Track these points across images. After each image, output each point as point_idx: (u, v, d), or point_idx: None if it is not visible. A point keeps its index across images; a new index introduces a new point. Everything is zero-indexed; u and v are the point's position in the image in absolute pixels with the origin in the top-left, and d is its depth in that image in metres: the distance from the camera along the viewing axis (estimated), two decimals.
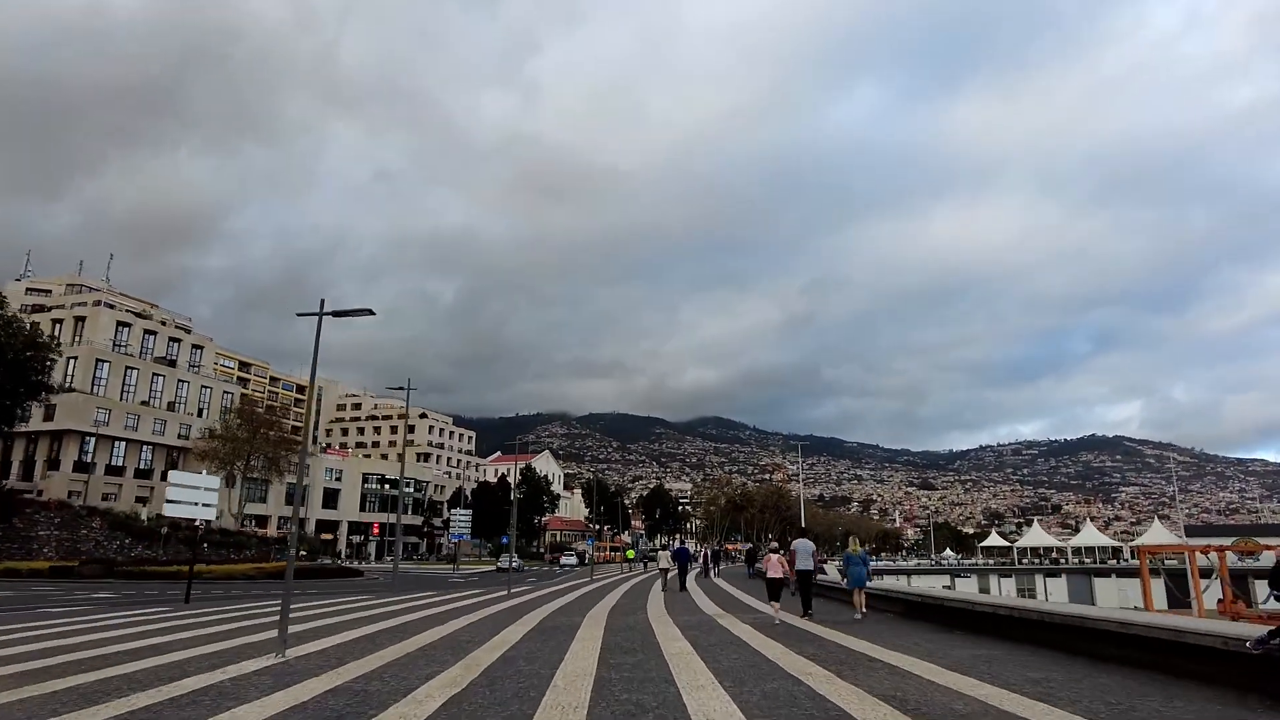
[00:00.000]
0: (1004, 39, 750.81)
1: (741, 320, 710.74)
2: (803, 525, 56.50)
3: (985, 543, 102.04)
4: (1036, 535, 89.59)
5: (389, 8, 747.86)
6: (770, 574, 17.91)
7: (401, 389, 31.20)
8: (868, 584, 18.82)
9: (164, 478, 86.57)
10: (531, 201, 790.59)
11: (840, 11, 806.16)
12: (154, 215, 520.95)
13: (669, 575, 32.65)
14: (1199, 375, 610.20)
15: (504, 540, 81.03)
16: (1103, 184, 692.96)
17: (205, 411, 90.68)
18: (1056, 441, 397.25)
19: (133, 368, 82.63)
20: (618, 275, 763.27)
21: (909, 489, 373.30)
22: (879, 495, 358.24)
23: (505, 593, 26.94)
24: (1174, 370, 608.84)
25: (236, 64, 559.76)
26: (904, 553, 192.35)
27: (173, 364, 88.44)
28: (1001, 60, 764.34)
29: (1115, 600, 79.32)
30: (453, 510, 56.98)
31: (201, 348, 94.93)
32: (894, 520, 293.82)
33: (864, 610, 18.04)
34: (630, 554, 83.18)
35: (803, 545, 19.33)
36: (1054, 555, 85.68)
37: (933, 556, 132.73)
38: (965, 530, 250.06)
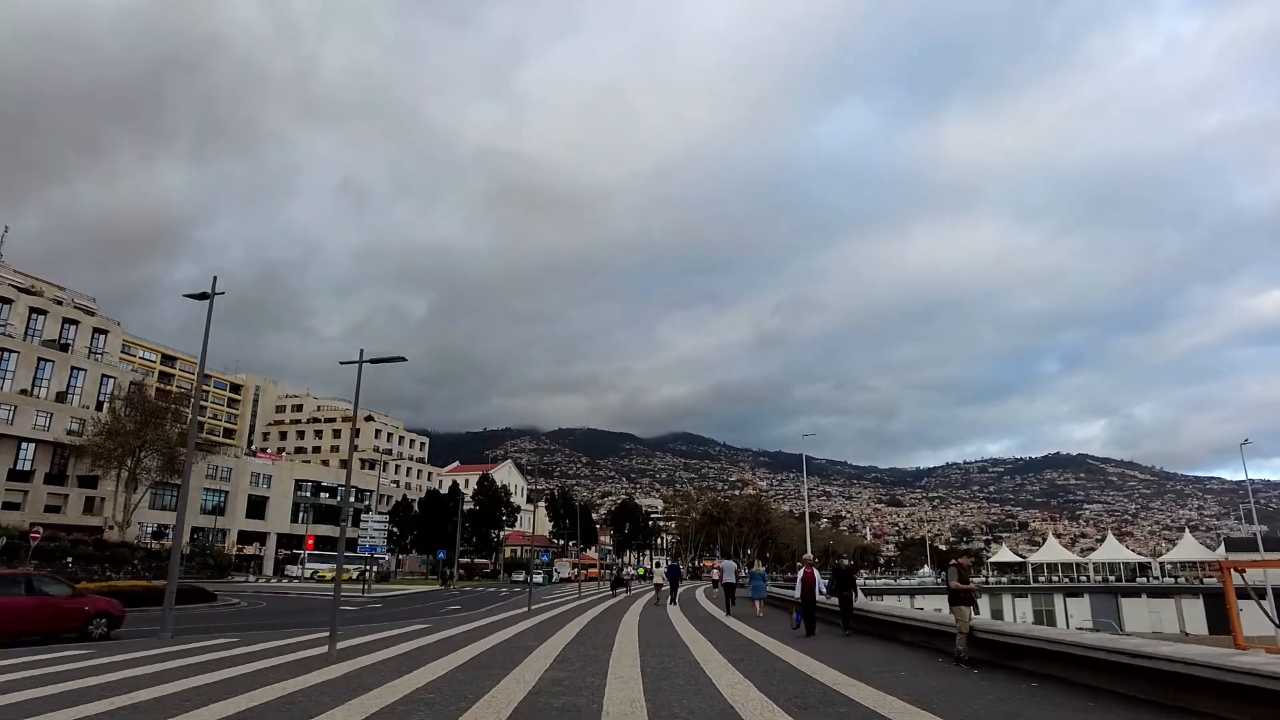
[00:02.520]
0: (988, 61, 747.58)
1: (717, 337, 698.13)
2: (807, 545, 46.89)
3: (995, 558, 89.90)
4: (1052, 550, 77.75)
5: (371, 19, 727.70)
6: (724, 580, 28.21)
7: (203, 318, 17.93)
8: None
9: (46, 479, 72.08)
10: (510, 216, 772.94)
11: (831, 29, 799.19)
12: (124, 224, 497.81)
13: (662, 591, 33.13)
14: (1162, 395, 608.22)
15: (440, 556, 67.69)
16: (1080, 207, 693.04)
17: (106, 404, 75.64)
18: (1021, 459, 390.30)
19: (10, 350, 67.94)
20: (595, 292, 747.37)
21: (877, 505, 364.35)
22: (848, 512, 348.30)
23: (325, 651, 13.67)
24: (1138, 390, 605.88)
25: (214, 74, 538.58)
26: (880, 569, 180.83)
27: (65, 348, 73.72)
28: (985, 83, 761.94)
29: (1147, 624, 67.54)
30: (364, 516, 43.30)
31: (105, 332, 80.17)
32: (864, 536, 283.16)
33: (762, 613, 24.75)
34: (640, 571, 67.94)
35: (728, 564, 30.69)
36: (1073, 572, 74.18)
37: (930, 573, 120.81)
38: (937, 547, 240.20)
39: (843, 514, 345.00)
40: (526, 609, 25.85)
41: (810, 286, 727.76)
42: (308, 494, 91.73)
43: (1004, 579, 76.74)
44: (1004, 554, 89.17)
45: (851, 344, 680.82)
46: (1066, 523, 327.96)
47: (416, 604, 36.25)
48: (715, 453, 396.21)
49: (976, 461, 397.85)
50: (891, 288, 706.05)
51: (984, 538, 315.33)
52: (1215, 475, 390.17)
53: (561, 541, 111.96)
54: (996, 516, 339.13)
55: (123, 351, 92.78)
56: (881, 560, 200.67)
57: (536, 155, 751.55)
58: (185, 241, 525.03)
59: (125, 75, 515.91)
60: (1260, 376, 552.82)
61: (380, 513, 44.35)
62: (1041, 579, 74.38)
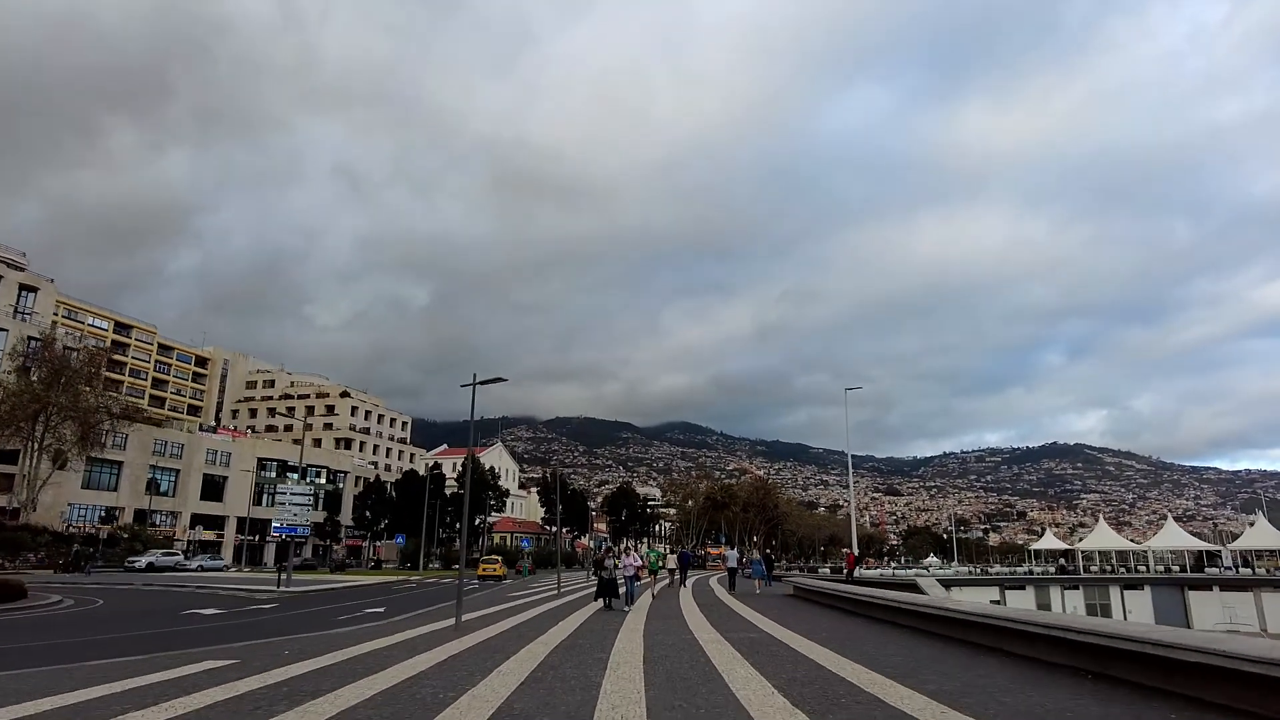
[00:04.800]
0: (1004, 45, 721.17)
1: (718, 327, 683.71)
2: (854, 542, 42.29)
3: (1039, 545, 79.28)
4: (1104, 536, 67.15)
5: (374, 2, 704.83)
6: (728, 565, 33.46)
7: None
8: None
9: None
10: (514, 204, 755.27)
11: (848, 11, 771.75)
12: (125, 213, 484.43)
13: (675, 575, 34.31)
14: (1163, 387, 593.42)
15: (398, 540, 57.49)
16: (1090, 196, 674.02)
17: (34, 371, 64.53)
18: (1019, 449, 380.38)
19: None
20: (597, 281, 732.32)
21: (874, 494, 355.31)
22: (845, 501, 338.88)
23: None
24: (1140, 382, 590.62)
25: (218, 60, 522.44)
26: (886, 558, 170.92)
27: None
28: (999, 69, 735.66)
29: (1220, 620, 57.08)
30: (281, 488, 32.63)
31: (35, 290, 69.23)
32: (865, 525, 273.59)
33: (760, 590, 29.08)
34: (652, 553, 51.49)
35: (730, 553, 35.60)
36: (1128, 561, 63.73)
37: (937, 561, 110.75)
38: (940, 535, 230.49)
39: (840, 502, 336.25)
40: (454, 623, 15.14)
41: (814, 276, 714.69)
42: (272, 474, 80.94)
43: (1050, 568, 66.39)
44: (1049, 540, 78.64)
45: (852, 334, 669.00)
46: (1064, 512, 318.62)
47: (334, 603, 25.62)
48: (713, 442, 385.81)
49: (974, 451, 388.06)
50: (895, 277, 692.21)
51: (982, 527, 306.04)
52: (1212, 466, 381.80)
53: (553, 528, 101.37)
54: (994, 506, 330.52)
55: (67, 317, 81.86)
56: (886, 549, 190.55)
57: (543, 142, 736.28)
58: (187, 229, 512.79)
59: (130, 61, 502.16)
60: (1264, 369, 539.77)
61: (305, 486, 33.48)
62: (1094, 568, 64.11)
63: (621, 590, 20.70)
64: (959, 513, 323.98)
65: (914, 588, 27.40)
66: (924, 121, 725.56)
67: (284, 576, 31.66)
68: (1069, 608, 61.20)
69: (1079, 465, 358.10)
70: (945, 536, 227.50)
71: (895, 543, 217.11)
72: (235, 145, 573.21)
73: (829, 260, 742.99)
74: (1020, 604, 61.65)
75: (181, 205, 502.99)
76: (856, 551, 37.89)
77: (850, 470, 44.73)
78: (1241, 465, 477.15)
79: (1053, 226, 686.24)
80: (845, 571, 33.76)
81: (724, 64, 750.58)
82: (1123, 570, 62.06)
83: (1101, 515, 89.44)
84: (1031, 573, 64.46)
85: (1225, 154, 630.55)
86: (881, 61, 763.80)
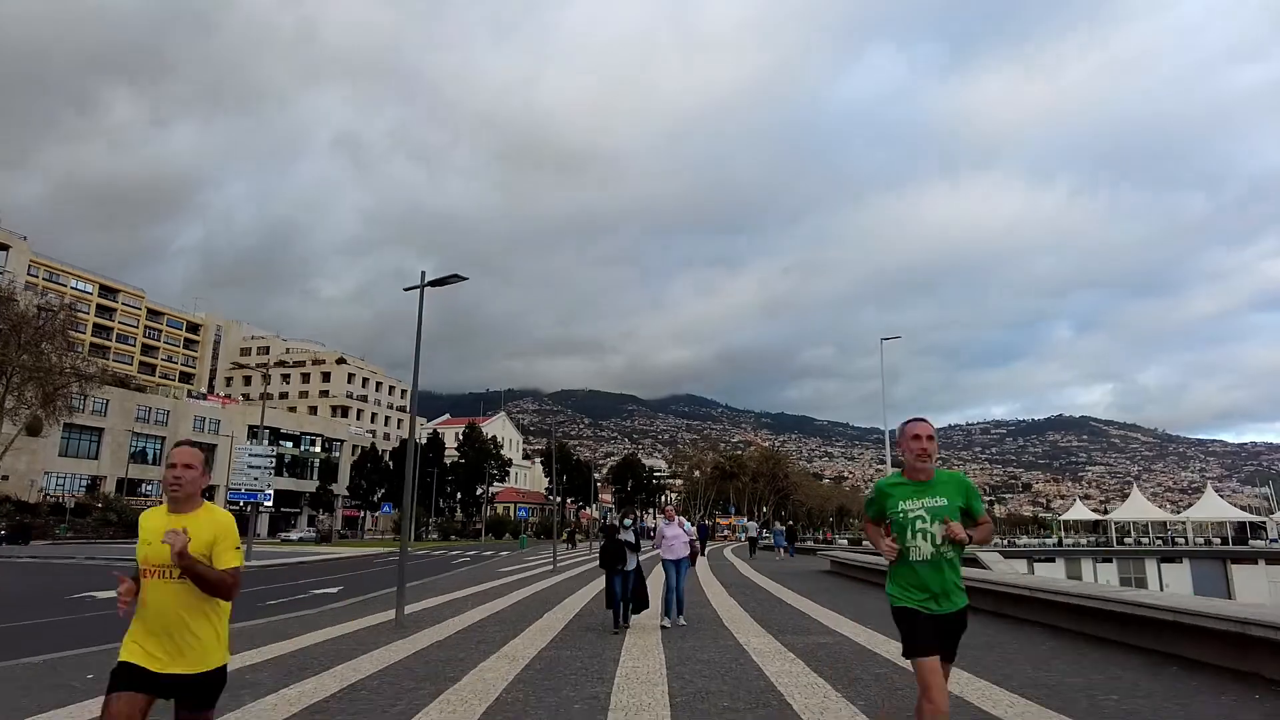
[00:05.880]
0: (1017, 16, 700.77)
1: (726, 300, 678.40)
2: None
3: (1068, 515, 74.93)
4: (1137, 506, 62.75)
5: None
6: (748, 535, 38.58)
7: None
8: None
9: None
10: (519, 178, 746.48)
11: None
12: (131, 187, 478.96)
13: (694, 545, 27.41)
14: (1171, 360, 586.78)
15: (385, 509, 53.76)
16: (1103, 167, 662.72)
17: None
18: (1024, 421, 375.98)
19: None
20: (604, 255, 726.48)
21: (879, 466, 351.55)
22: (850, 472, 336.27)
23: None
24: (1147, 355, 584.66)
25: (222, 32, 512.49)
26: None
27: None
28: (1013, 39, 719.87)
29: (1266, 594, 52.73)
30: (239, 450, 28.60)
31: (7, 248, 64.85)
32: (870, 495, 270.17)
33: (781, 558, 30.01)
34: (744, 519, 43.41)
35: (751, 524, 45.98)
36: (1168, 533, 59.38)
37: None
38: None
39: (845, 474, 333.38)
40: (394, 619, 10.73)
41: (821, 249, 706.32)
42: (264, 442, 76.89)
43: (1082, 540, 62.30)
44: (1078, 510, 74.42)
45: (857, 308, 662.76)
46: (1069, 484, 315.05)
47: (284, 581, 21.44)
48: (717, 414, 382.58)
49: (979, 423, 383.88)
50: (903, 250, 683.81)
51: (987, 499, 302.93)
52: (1218, 438, 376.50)
53: (557, 499, 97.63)
54: (999, 478, 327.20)
55: (48, 279, 77.45)
56: None
57: (547, 114, 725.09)
58: (192, 204, 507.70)
59: (132, 35, 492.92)
60: (1270, 343, 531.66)
61: (265, 448, 29.27)
62: (1128, 540, 59.90)
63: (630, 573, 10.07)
64: None
65: (975, 562, 23.14)
66: (935, 92, 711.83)
67: (241, 549, 27.48)
68: (1102, 581, 57.09)
69: (1084, 437, 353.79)
70: None
71: None
72: (238, 119, 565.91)
73: (836, 234, 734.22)
74: (1051, 577, 57.50)
75: (186, 180, 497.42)
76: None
77: (886, 427, 40.20)
78: (1247, 438, 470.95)
79: (1064, 198, 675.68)
80: None
81: (733, 32, 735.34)
82: (1158, 542, 57.85)
83: (1136, 485, 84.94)
84: (1060, 544, 60.34)
85: (1241, 126, 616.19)
86: (894, 31, 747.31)
